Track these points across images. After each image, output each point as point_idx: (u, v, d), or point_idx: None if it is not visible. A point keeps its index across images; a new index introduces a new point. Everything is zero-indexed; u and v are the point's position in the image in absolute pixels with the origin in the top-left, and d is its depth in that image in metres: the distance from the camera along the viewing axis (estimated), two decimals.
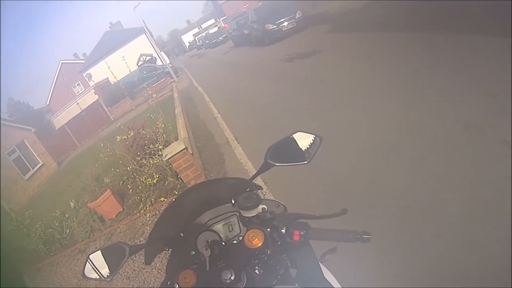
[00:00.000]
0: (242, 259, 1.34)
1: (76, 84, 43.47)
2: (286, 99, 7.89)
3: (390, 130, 4.61)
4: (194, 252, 1.56)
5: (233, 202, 1.54)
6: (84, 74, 38.83)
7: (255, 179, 1.69)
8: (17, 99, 37.45)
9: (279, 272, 1.32)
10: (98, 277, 1.68)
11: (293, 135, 1.62)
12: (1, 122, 22.08)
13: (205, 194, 1.68)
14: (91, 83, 35.98)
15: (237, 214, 1.60)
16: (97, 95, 30.14)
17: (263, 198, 1.53)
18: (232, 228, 1.60)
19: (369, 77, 6.68)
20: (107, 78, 35.26)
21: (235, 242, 1.54)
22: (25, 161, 21.61)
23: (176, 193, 6.43)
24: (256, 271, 1.31)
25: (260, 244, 1.34)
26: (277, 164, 1.59)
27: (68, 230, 8.55)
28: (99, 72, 36.21)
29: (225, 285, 1.25)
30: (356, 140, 4.83)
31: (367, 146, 4.56)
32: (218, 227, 1.61)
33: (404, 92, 5.35)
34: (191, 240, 1.57)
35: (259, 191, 1.61)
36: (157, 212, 6.48)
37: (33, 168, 21.79)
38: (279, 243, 1.37)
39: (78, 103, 30.55)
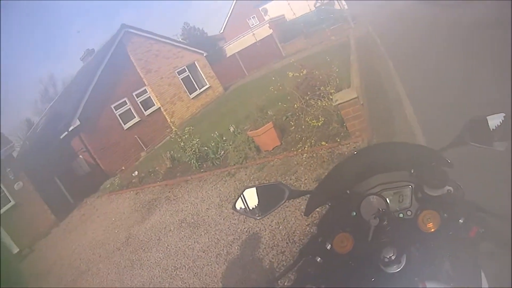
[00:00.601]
0: (409, 240, 1.26)
1: (251, 17, 45.13)
2: (474, 69, 7.03)
3: None
4: (355, 214, 1.51)
5: (411, 171, 1.44)
6: (260, 8, 39.97)
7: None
8: (192, 25, 39.98)
9: (434, 263, 1.21)
10: (248, 212, 1.73)
11: (490, 116, 1.40)
12: (176, 44, 24.04)
13: (384, 155, 1.58)
14: (266, 18, 36.93)
15: (412, 185, 1.47)
16: (271, 29, 30.82)
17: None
18: (402, 200, 1.48)
19: None
20: (283, 14, 35.89)
21: (401, 215, 1.45)
22: (193, 81, 23.40)
23: (338, 140, 6.41)
24: (416, 256, 1.22)
25: (433, 230, 1.25)
26: (472, 143, 1.42)
27: (222, 152, 9.17)
28: (275, 8, 36.91)
29: (382, 262, 1.19)
30: None
31: None
32: (388, 194, 1.51)
33: None
34: (356, 200, 1.53)
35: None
36: (314, 155, 6.55)
37: (199, 89, 23.53)
38: (451, 233, 1.25)
39: (254, 34, 31.70)
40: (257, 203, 1.69)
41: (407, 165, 1.47)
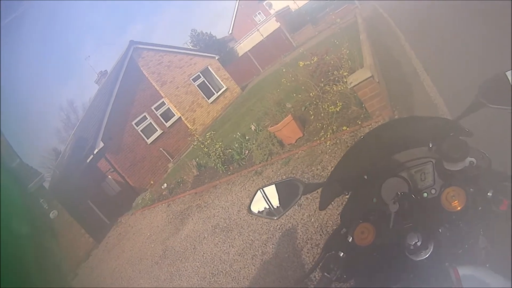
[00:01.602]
0: (434, 222, 1.18)
1: (257, 13, 45.07)
2: (488, 30, 6.46)
3: None
4: (376, 200, 1.44)
5: (430, 146, 1.34)
6: (264, 3, 40.01)
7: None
8: (199, 31, 40.13)
9: (466, 243, 1.13)
10: (265, 214, 1.65)
11: (509, 72, 1.28)
12: (186, 51, 24.16)
13: (399, 133, 1.49)
14: (272, 12, 36.95)
15: (433, 161, 1.39)
16: (278, 22, 30.86)
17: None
18: (425, 177, 1.40)
19: None
20: (288, 6, 35.83)
21: (425, 194, 1.36)
22: (209, 86, 23.46)
23: (359, 122, 6.29)
24: (445, 239, 1.13)
25: (459, 208, 1.15)
26: (491, 105, 1.29)
27: (247, 152, 9.14)
28: (279, 1, 36.89)
29: (408, 250, 1.11)
30: None
31: None
32: (408, 173, 1.43)
33: None
34: (375, 185, 1.46)
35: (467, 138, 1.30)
36: (337, 141, 6.45)
37: (217, 92, 23.57)
38: (480, 208, 1.15)
39: (259, 30, 31.76)
40: (272, 202, 1.63)
41: (423, 140, 1.39)
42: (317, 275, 3.50)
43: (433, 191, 1.35)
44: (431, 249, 1.10)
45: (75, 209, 15.23)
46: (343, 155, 1.56)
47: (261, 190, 1.67)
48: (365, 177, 1.50)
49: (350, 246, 1.32)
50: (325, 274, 1.29)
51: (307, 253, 4.33)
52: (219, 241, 6.37)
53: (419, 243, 1.08)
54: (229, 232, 6.38)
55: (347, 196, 1.58)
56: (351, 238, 1.32)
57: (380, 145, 1.50)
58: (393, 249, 1.18)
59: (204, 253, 6.41)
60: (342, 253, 1.31)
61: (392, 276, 1.15)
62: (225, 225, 6.77)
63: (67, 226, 13.87)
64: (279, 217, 1.66)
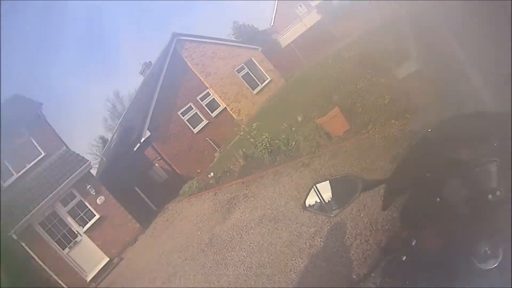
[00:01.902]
0: (503, 228, 1.10)
1: (298, 6, 44.57)
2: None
3: None
4: (439, 199, 1.36)
5: (495, 144, 1.27)
6: None
7: None
8: (241, 23, 39.84)
9: None
10: (320, 211, 1.60)
11: None
12: (229, 43, 24.29)
13: (462, 129, 1.42)
14: (313, 4, 36.46)
15: (498, 160, 1.29)
16: (320, 14, 30.42)
17: None
18: (489, 178, 1.30)
19: None
20: None
21: (490, 196, 1.27)
22: (254, 77, 23.38)
23: (408, 116, 6.11)
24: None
25: None
26: None
27: (294, 143, 9.05)
28: None
29: (476, 257, 1.06)
30: None
31: None
32: (472, 172, 1.34)
33: None
34: (438, 183, 1.40)
35: None
36: (386, 135, 6.29)
37: (261, 84, 23.46)
38: None
39: (302, 21, 31.44)
40: (328, 199, 1.60)
41: (489, 138, 1.32)
42: (362, 273, 3.46)
43: (497, 193, 1.27)
44: (500, 258, 1.05)
45: (122, 195, 15.52)
46: (404, 152, 1.53)
47: (316, 185, 1.63)
48: (428, 175, 1.45)
49: (414, 250, 1.27)
50: (386, 278, 1.25)
51: (356, 248, 4.26)
52: (266, 232, 6.38)
53: (488, 252, 1.03)
54: (276, 223, 6.37)
55: (407, 194, 1.53)
56: (415, 241, 1.27)
57: (445, 140, 1.45)
58: (460, 256, 1.12)
59: (251, 243, 6.44)
60: (404, 257, 1.26)
61: (458, 285, 1.10)
62: (272, 216, 6.76)
63: (114, 211, 14.24)
64: (336, 215, 1.62)
